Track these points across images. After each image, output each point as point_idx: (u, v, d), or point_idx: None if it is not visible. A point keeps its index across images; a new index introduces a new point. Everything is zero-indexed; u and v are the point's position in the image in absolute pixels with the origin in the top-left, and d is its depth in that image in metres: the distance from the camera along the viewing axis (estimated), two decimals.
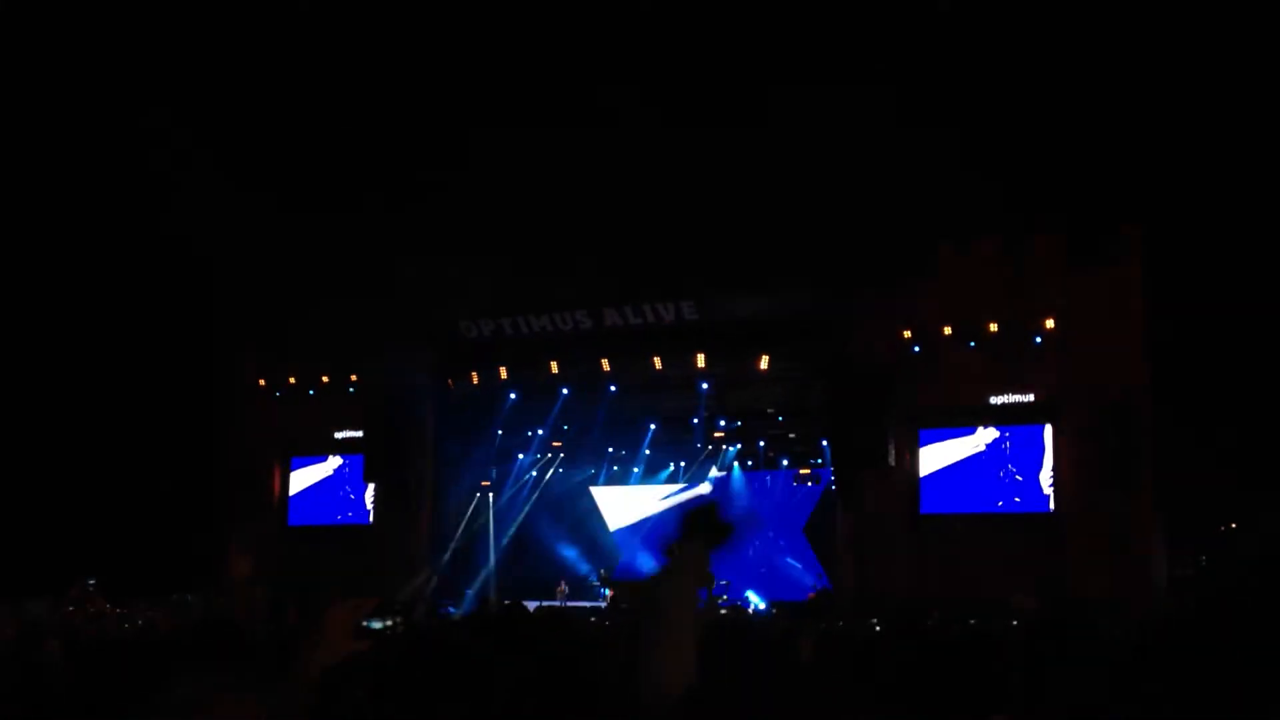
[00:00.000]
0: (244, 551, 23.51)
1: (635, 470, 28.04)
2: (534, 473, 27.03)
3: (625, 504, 28.53)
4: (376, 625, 2.49)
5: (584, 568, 27.33)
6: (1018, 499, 19.48)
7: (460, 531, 24.61)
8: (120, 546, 20.84)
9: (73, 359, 25.97)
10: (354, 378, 22.92)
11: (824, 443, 23.70)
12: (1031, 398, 19.37)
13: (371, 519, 23.36)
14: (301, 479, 24.19)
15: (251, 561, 23.16)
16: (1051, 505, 19.19)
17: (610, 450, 27.19)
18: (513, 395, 23.81)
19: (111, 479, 24.99)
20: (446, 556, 24.04)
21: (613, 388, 23.46)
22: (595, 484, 28.37)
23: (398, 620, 2.56)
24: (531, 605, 6.70)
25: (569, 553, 27.72)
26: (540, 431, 24.97)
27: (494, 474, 25.52)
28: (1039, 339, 18.96)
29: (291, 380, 23.53)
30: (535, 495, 27.41)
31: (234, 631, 5.47)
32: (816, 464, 25.37)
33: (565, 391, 23.43)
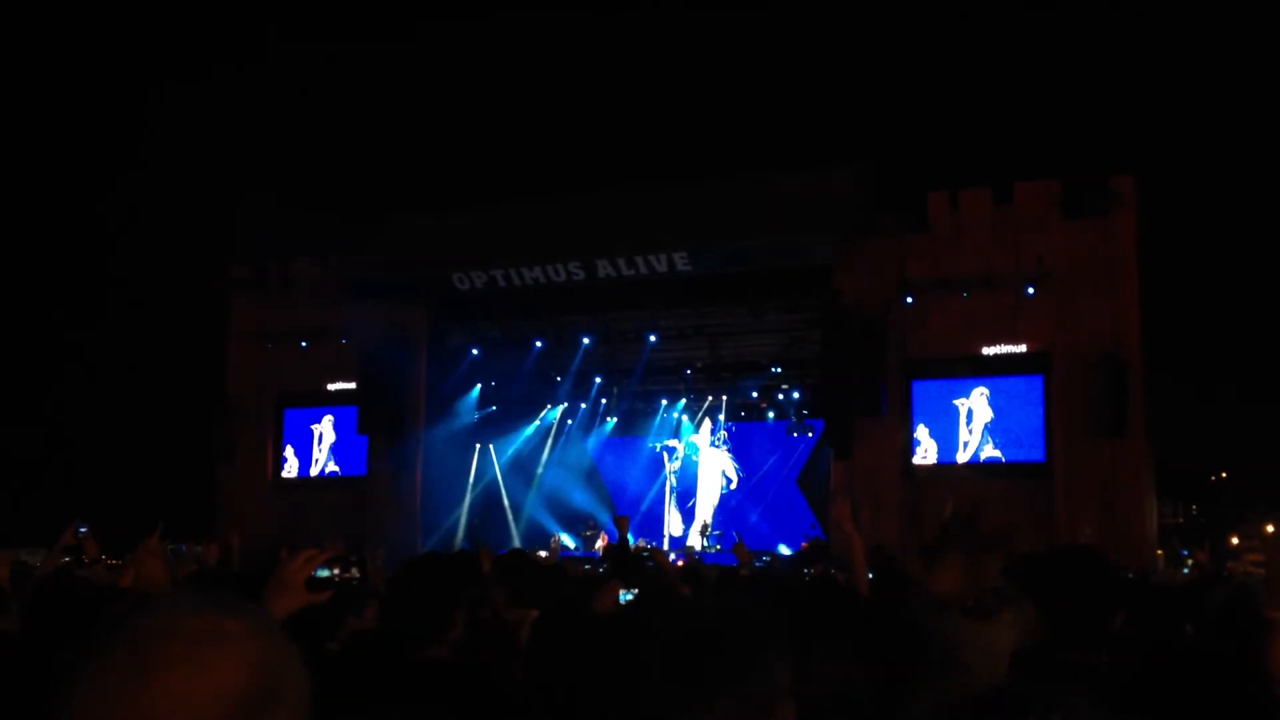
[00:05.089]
0: (236, 504, 23.51)
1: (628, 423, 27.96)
2: (534, 425, 26.96)
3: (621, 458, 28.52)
4: (324, 574, 2.49)
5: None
6: (1009, 449, 19.53)
7: (463, 487, 24.68)
8: (111, 497, 20.89)
9: (66, 311, 25.93)
10: (346, 329, 22.77)
11: (816, 394, 23.68)
12: (1024, 348, 19.38)
13: (365, 471, 23.34)
14: (294, 430, 24.15)
15: (243, 514, 23.18)
16: (1043, 455, 19.24)
17: (604, 403, 27.10)
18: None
19: (103, 432, 25.03)
20: (456, 510, 24.17)
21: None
22: (589, 438, 28.26)
23: (351, 571, 2.55)
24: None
25: (571, 507, 27.66)
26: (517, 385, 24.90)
27: (488, 425, 25.50)
28: (1031, 290, 18.95)
29: (283, 331, 23.42)
30: (538, 451, 27.36)
31: (237, 579, 5.46)
32: (808, 415, 25.37)
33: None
